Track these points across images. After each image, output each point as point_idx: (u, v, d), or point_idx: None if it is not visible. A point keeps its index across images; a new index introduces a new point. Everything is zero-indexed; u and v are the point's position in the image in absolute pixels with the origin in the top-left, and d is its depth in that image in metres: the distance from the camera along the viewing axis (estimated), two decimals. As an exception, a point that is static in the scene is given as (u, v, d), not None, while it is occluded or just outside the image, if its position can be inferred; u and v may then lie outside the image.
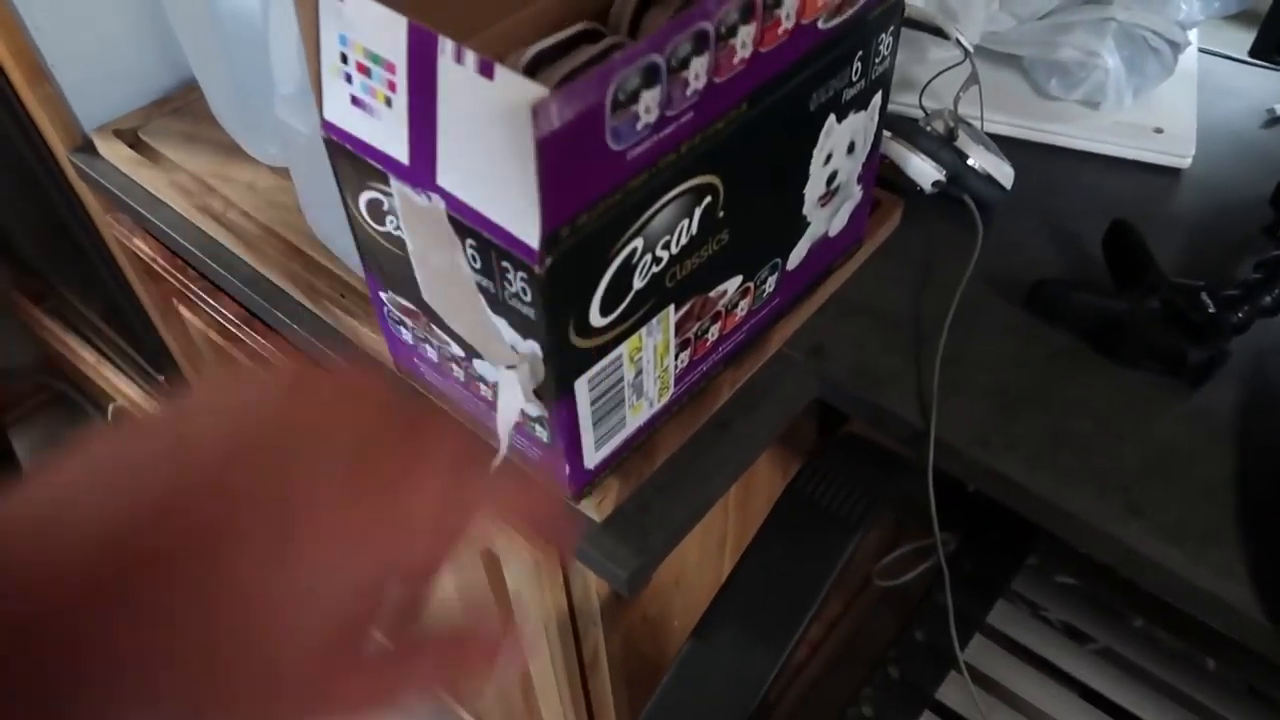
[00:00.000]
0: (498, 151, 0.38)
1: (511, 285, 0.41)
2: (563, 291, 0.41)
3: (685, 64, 0.39)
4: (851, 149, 0.56)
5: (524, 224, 0.38)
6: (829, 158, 0.54)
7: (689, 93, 0.41)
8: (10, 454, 1.35)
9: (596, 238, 0.40)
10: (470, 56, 0.37)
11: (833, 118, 0.52)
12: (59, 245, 1.13)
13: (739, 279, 0.52)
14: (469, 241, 0.42)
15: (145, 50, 0.81)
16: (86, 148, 0.81)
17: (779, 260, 0.55)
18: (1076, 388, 0.58)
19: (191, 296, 0.80)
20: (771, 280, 0.56)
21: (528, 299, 0.41)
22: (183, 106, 0.82)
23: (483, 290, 0.43)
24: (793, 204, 0.54)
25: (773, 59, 0.45)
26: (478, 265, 0.42)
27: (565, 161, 0.37)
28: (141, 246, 0.83)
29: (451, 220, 0.42)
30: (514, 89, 0.36)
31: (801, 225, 0.56)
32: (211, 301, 0.77)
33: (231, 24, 0.66)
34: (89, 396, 1.57)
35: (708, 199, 0.46)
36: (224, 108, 0.74)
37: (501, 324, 0.44)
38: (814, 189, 0.54)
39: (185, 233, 0.73)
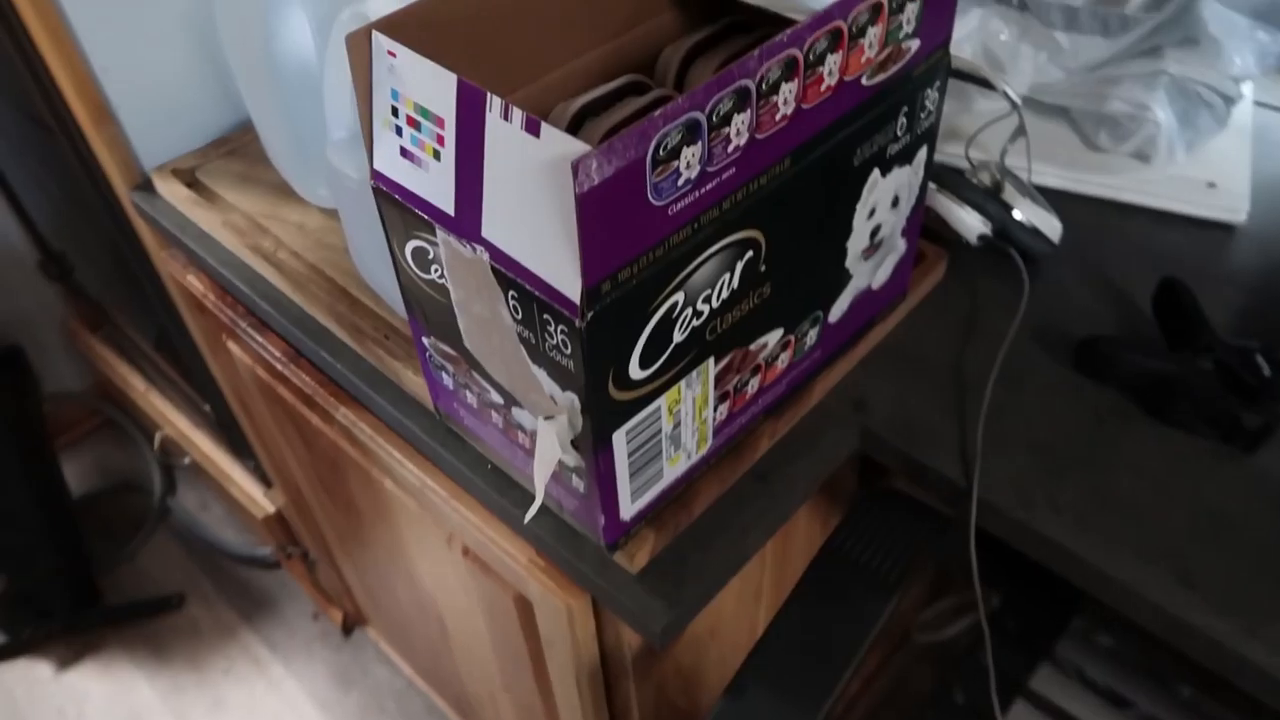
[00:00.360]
0: (541, 206, 0.38)
1: (552, 337, 0.41)
2: (603, 345, 0.41)
3: (727, 120, 0.40)
4: (895, 203, 0.55)
5: (565, 277, 0.39)
6: (872, 212, 0.54)
7: (731, 149, 0.41)
8: (59, 477, 1.37)
9: (637, 292, 0.41)
10: (517, 114, 0.38)
11: (876, 172, 0.52)
12: (117, 276, 1.16)
13: (780, 332, 0.52)
14: (511, 293, 0.42)
15: (205, 92, 0.84)
16: (145, 186, 0.84)
17: (821, 313, 0.55)
18: (1125, 449, 0.56)
19: (240, 333, 0.81)
20: (813, 333, 0.55)
21: (568, 351, 0.41)
22: (239, 148, 0.84)
23: (523, 340, 0.44)
24: (835, 257, 0.53)
25: (816, 115, 0.45)
26: (519, 316, 0.43)
27: (606, 216, 0.37)
28: (194, 283, 0.85)
29: (495, 271, 0.42)
30: (558, 145, 0.36)
31: (844, 278, 0.55)
32: (259, 338, 0.78)
33: (288, 69, 0.67)
34: (138, 423, 1.60)
35: (749, 253, 0.46)
36: (278, 150, 0.76)
37: (541, 374, 0.44)
38: (857, 242, 0.54)
39: (236, 270, 0.74)
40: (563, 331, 0.40)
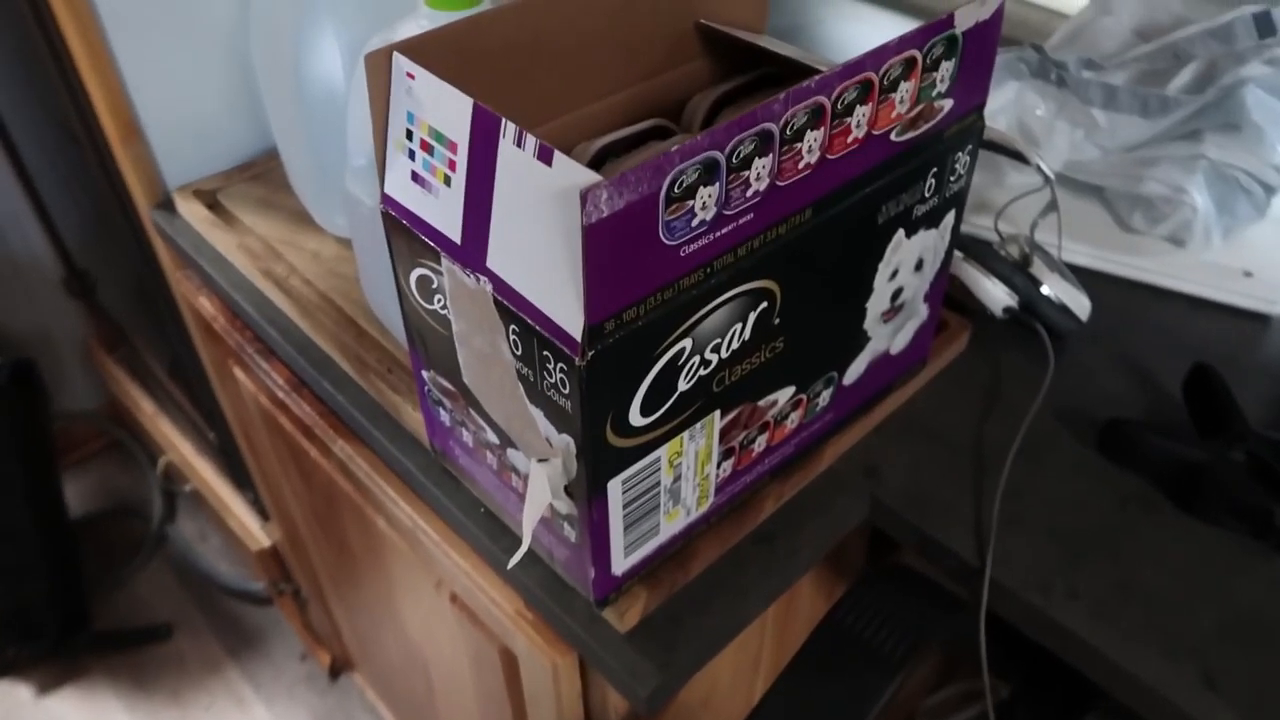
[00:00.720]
0: (548, 237, 0.37)
1: (551, 375, 0.40)
2: (602, 387, 0.39)
3: (747, 164, 0.38)
4: (919, 266, 0.54)
5: (568, 313, 0.37)
6: (895, 273, 0.52)
7: (750, 194, 0.39)
8: (60, 497, 1.36)
9: (642, 334, 0.39)
10: (531, 141, 0.36)
11: (901, 232, 0.50)
12: (137, 296, 1.16)
13: (791, 390, 0.50)
14: (512, 327, 0.40)
15: (235, 116, 0.84)
16: (166, 205, 0.83)
17: (835, 374, 0.53)
18: (1149, 539, 0.54)
19: (246, 359, 0.80)
20: (826, 394, 0.53)
21: (566, 391, 0.39)
22: (263, 173, 0.84)
23: (522, 378, 0.42)
24: (854, 317, 0.52)
25: (841, 167, 0.43)
26: (519, 352, 0.41)
27: (614, 252, 0.35)
28: (205, 305, 0.84)
29: (497, 303, 0.40)
30: (568, 175, 0.35)
31: (862, 340, 0.53)
32: (264, 365, 0.77)
33: (315, 96, 0.67)
34: (145, 447, 1.59)
35: (764, 304, 0.44)
36: (299, 176, 0.76)
37: (538, 414, 0.42)
38: (877, 303, 0.52)
39: (246, 294, 0.73)
40: (562, 370, 0.39)
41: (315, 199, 0.75)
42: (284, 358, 0.72)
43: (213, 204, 0.81)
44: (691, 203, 0.37)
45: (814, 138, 0.41)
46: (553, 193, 0.36)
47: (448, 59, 0.43)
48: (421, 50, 0.43)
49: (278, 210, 0.79)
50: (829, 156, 0.42)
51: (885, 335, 0.55)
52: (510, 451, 0.47)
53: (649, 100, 0.56)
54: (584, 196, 0.33)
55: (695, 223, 0.38)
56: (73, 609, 1.35)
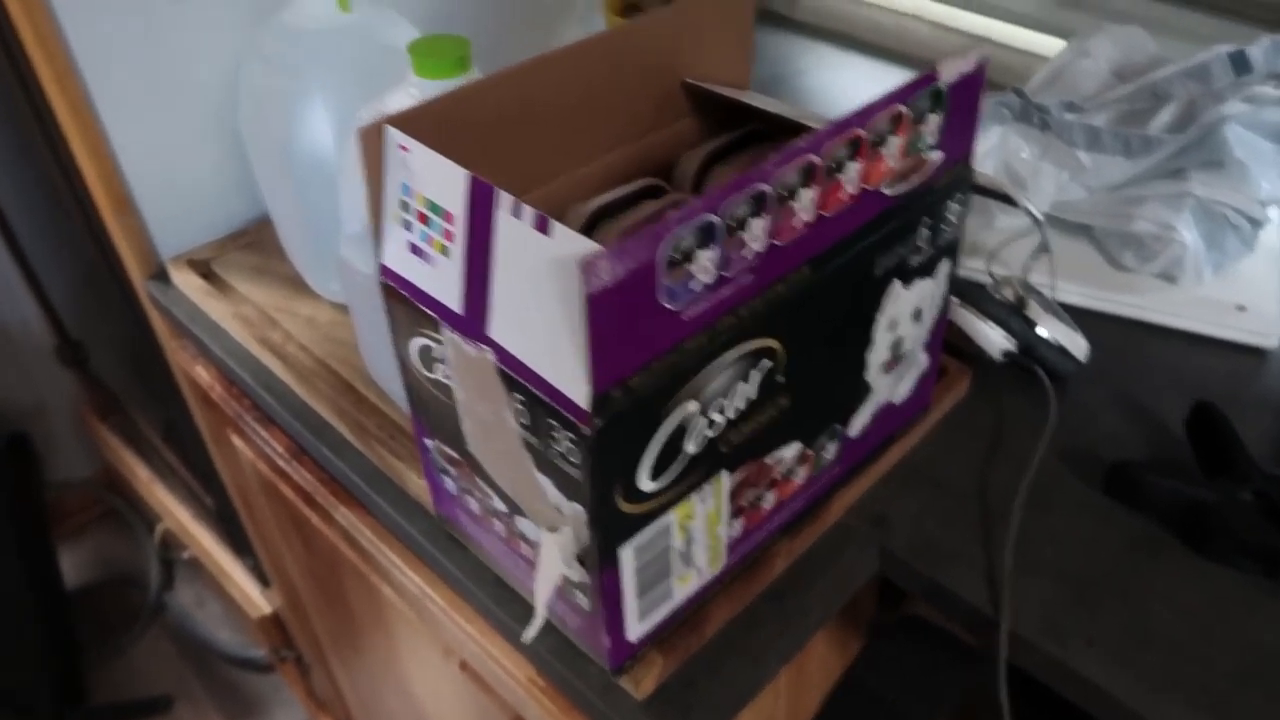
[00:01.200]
0: (549, 306, 0.37)
1: (558, 444, 0.39)
2: (612, 454, 0.39)
3: (743, 225, 0.38)
4: (918, 315, 0.54)
5: (573, 382, 0.37)
6: (894, 324, 0.52)
7: (747, 254, 0.40)
8: (55, 570, 1.34)
9: (649, 399, 0.39)
10: (528, 212, 0.37)
11: (898, 283, 0.50)
12: (130, 364, 1.16)
13: (798, 445, 0.50)
14: (517, 396, 0.40)
15: (224, 183, 0.84)
16: (161, 276, 0.83)
17: (840, 426, 0.53)
18: (1161, 581, 0.53)
19: (244, 426, 0.80)
20: (832, 447, 0.53)
21: (575, 460, 0.39)
22: (255, 240, 0.84)
23: (529, 446, 0.42)
24: (855, 369, 0.52)
25: (836, 223, 0.44)
26: (525, 421, 0.41)
27: (617, 319, 0.35)
28: (201, 374, 0.84)
29: (501, 373, 0.40)
30: (567, 244, 0.35)
31: (864, 391, 0.53)
32: (263, 432, 0.77)
33: (306, 163, 0.68)
34: (140, 515, 1.57)
35: (766, 363, 0.44)
36: (293, 242, 0.76)
37: (546, 483, 0.42)
38: (878, 355, 0.52)
39: (243, 362, 0.73)
40: (570, 439, 0.38)
41: (309, 265, 0.76)
42: (283, 425, 0.72)
43: (207, 273, 0.81)
44: (690, 267, 0.37)
45: (807, 195, 0.41)
46: (552, 262, 0.36)
47: (439, 130, 0.43)
48: (413, 122, 0.43)
49: (271, 277, 0.79)
50: (824, 214, 0.42)
51: (887, 385, 0.55)
52: (519, 519, 0.47)
53: (638, 159, 0.56)
54: (584, 266, 0.33)
55: (695, 286, 0.38)
56: (68, 684, 1.32)
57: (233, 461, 0.92)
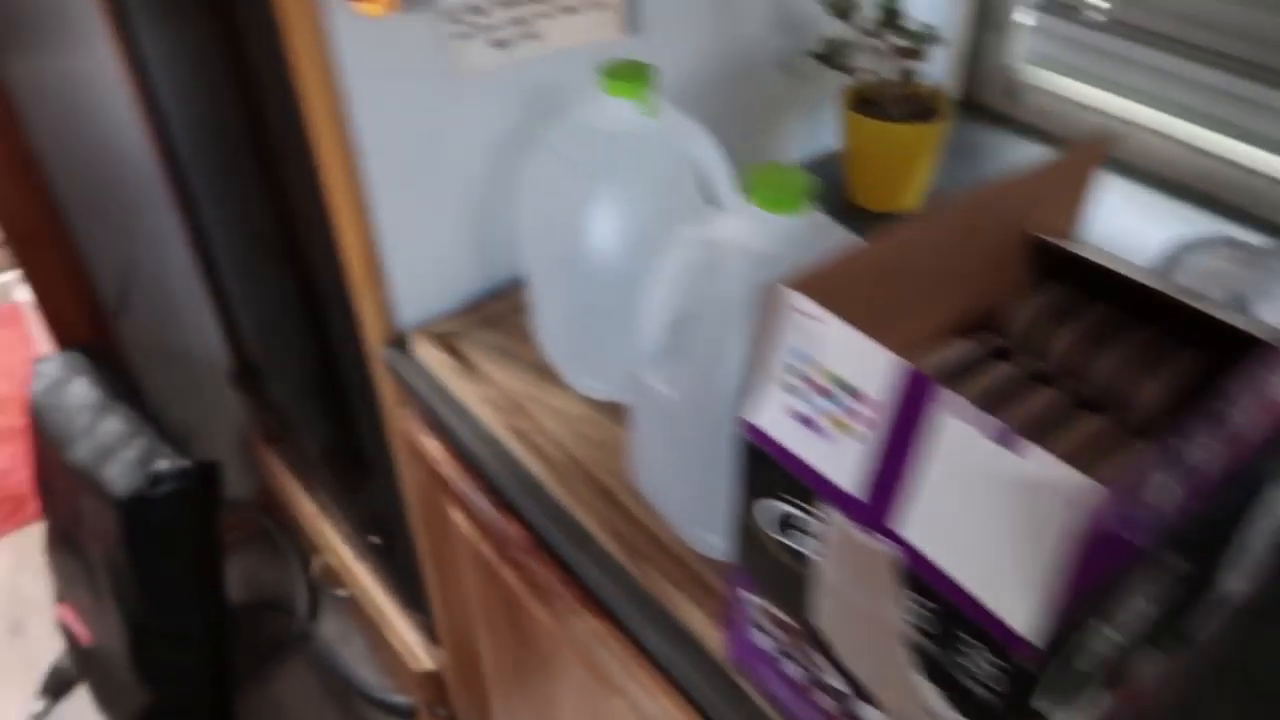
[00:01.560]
0: (997, 525, 0.34)
1: (968, 660, 0.36)
2: (1038, 685, 0.35)
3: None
4: None
5: (1019, 611, 0.34)
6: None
7: (1200, 480, 0.36)
8: (226, 598, 1.36)
9: (1087, 631, 0.36)
10: (988, 422, 0.34)
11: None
12: (320, 396, 1.17)
13: (1163, 657, 0.46)
14: (924, 600, 0.37)
15: (461, 260, 0.84)
16: (398, 343, 0.84)
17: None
18: None
19: (471, 507, 0.79)
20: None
21: (993, 685, 0.36)
22: (493, 316, 0.84)
23: (919, 649, 0.39)
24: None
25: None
26: (927, 627, 0.38)
27: (1092, 560, 0.32)
28: (429, 445, 0.83)
29: (905, 573, 0.38)
30: (1045, 469, 0.32)
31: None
32: (495, 517, 0.76)
33: (587, 262, 0.66)
34: (293, 540, 1.60)
35: (1176, 583, 0.40)
36: (553, 333, 0.75)
37: (929, 689, 0.39)
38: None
39: (489, 446, 0.72)
40: (992, 663, 0.35)
41: (567, 357, 0.74)
42: (526, 516, 0.70)
43: (451, 349, 0.81)
44: (1152, 499, 0.34)
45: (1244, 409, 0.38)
46: (1019, 484, 0.33)
47: (827, 294, 0.41)
48: (812, 285, 0.41)
49: (517, 361, 0.79)
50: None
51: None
52: (862, 705, 0.44)
53: (962, 312, 0.53)
54: (1080, 505, 0.30)
55: (1149, 515, 0.35)
56: (221, 711, 1.34)
57: (440, 531, 0.91)
